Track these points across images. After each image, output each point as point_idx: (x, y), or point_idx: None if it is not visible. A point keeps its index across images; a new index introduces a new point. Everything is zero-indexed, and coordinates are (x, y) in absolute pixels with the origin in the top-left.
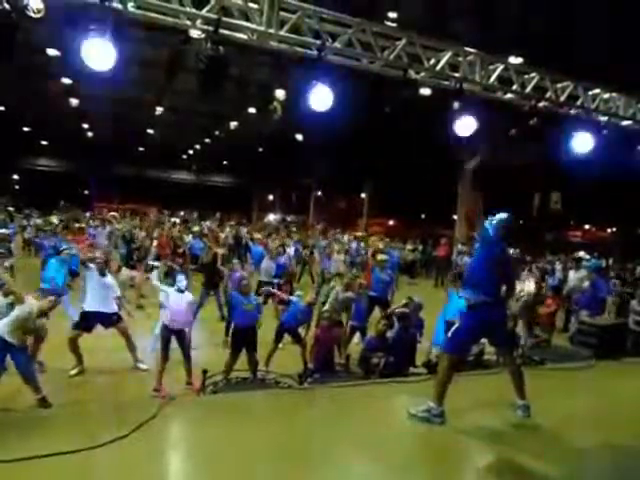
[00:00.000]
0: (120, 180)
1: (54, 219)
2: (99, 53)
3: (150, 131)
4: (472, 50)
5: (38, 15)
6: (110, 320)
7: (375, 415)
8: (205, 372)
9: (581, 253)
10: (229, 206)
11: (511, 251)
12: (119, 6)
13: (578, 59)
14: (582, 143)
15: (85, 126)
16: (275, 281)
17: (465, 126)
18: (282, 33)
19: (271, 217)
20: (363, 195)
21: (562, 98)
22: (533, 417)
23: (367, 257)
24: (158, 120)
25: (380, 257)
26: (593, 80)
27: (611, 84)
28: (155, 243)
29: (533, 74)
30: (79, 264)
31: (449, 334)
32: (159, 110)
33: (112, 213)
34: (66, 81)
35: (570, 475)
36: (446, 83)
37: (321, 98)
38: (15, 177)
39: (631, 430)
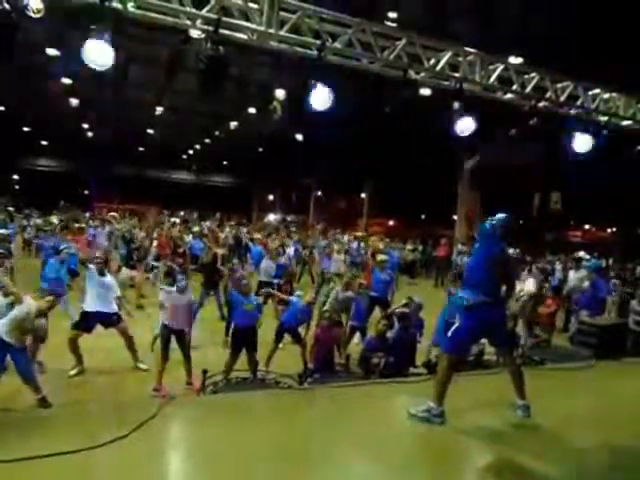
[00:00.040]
0: (120, 180)
1: (54, 219)
2: (99, 53)
3: (150, 131)
4: (472, 50)
5: (38, 15)
6: (110, 320)
7: (375, 415)
8: (205, 372)
9: (581, 253)
10: (229, 206)
11: (511, 251)
12: (119, 6)
13: (578, 59)
14: (582, 143)
15: (85, 126)
16: (275, 281)
17: (465, 126)
18: (282, 33)
19: (271, 217)
20: (363, 195)
21: (562, 98)
22: (533, 417)
23: (367, 257)
24: (158, 120)
25: (380, 257)
26: (593, 80)
27: (611, 84)
28: (155, 243)
29: (533, 74)
30: (78, 264)
31: (449, 334)
32: (159, 110)
33: (112, 213)
34: (66, 81)
35: (570, 475)
36: (446, 83)
37: (321, 98)
38: (15, 177)
39: (631, 430)
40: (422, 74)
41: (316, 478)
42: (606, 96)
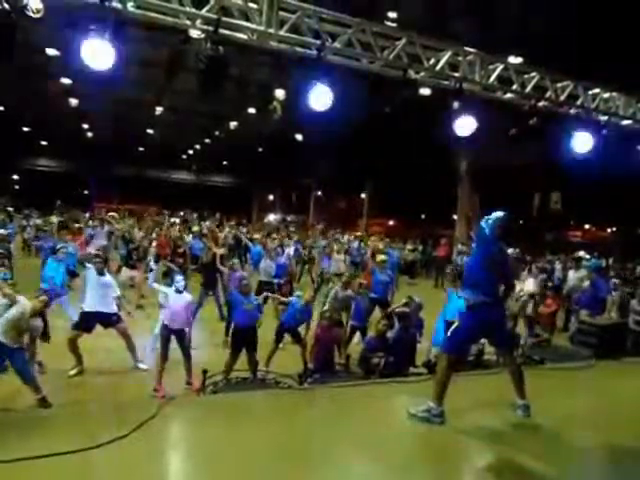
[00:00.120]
0: (120, 180)
1: (54, 219)
2: (99, 53)
3: (150, 131)
4: (472, 50)
5: (37, 15)
6: (110, 320)
7: (375, 415)
8: (205, 372)
9: (581, 253)
10: (229, 206)
11: (510, 251)
12: (119, 6)
13: (578, 59)
14: (582, 143)
15: (85, 126)
16: (275, 281)
17: (464, 126)
18: (282, 33)
19: (271, 217)
20: (363, 195)
21: (562, 98)
22: (533, 417)
23: (367, 257)
24: (158, 120)
25: (380, 258)
26: (593, 80)
27: (611, 83)
28: (154, 243)
29: (533, 74)
30: (76, 264)
31: (448, 334)
32: (159, 110)
33: (111, 213)
34: (66, 81)
35: (570, 475)
36: (446, 83)
37: (321, 98)
38: (15, 177)
39: (631, 430)
40: (422, 74)
41: (316, 478)
42: (606, 95)
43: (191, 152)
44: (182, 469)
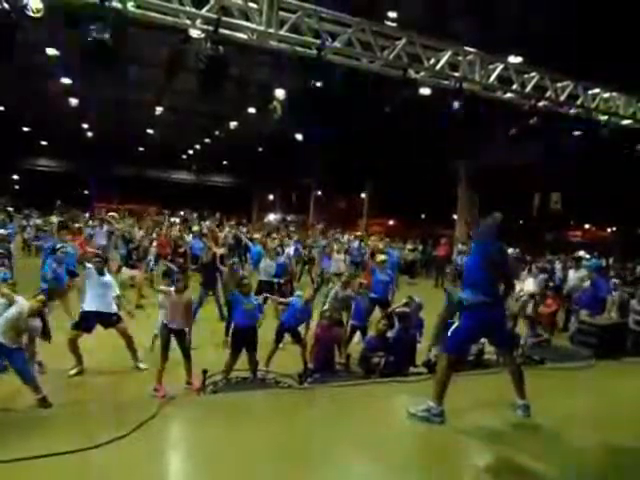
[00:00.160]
0: (120, 180)
1: (54, 219)
2: (99, 53)
3: (150, 131)
4: (472, 50)
5: (37, 15)
6: (110, 320)
7: (375, 415)
8: (205, 372)
9: (581, 253)
10: (229, 206)
11: (511, 251)
12: (119, 5)
13: (578, 58)
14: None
15: (85, 126)
16: (275, 280)
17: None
18: (282, 33)
19: (271, 217)
20: (363, 195)
21: (562, 97)
22: (533, 417)
23: (367, 257)
24: (158, 120)
25: (380, 257)
26: (593, 79)
27: (611, 83)
28: (155, 243)
29: (533, 73)
30: (76, 264)
31: (448, 334)
32: (159, 110)
33: (111, 213)
34: (66, 81)
35: (570, 475)
36: (446, 83)
37: (321, 98)
38: (15, 177)
39: (631, 430)
40: (422, 73)
41: (316, 478)
42: (606, 95)
43: (191, 152)
44: (182, 469)
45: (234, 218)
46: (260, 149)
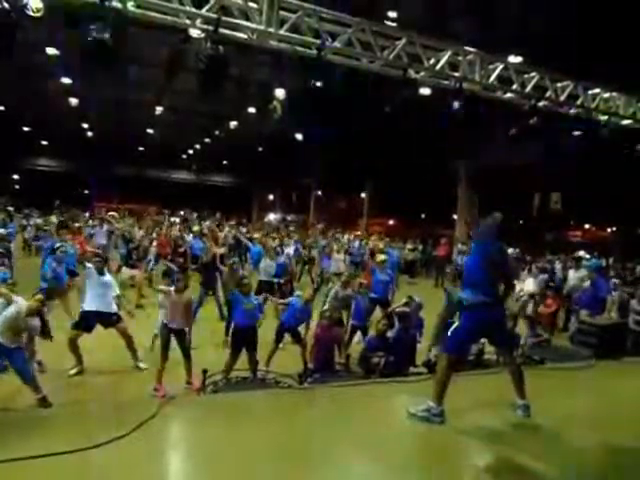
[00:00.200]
0: (120, 180)
1: (54, 219)
2: (99, 53)
3: (150, 131)
4: (472, 49)
5: (37, 14)
6: (110, 320)
7: (375, 415)
8: (205, 371)
9: (581, 253)
10: (229, 206)
11: (511, 251)
12: (119, 5)
13: (578, 58)
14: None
15: (85, 126)
16: (275, 280)
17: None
18: (282, 32)
19: (271, 217)
20: (363, 195)
21: (562, 97)
22: (533, 417)
23: (368, 257)
24: (158, 120)
25: (380, 257)
26: (593, 79)
27: (611, 83)
28: (155, 243)
29: (533, 73)
30: (75, 263)
31: (448, 333)
32: (159, 110)
33: (111, 213)
34: (66, 81)
35: (570, 475)
36: (446, 82)
37: (321, 98)
38: (15, 177)
39: (631, 430)
40: (422, 73)
41: (316, 478)
42: (606, 95)
43: (191, 152)
44: (182, 469)
45: (234, 218)
46: (260, 149)
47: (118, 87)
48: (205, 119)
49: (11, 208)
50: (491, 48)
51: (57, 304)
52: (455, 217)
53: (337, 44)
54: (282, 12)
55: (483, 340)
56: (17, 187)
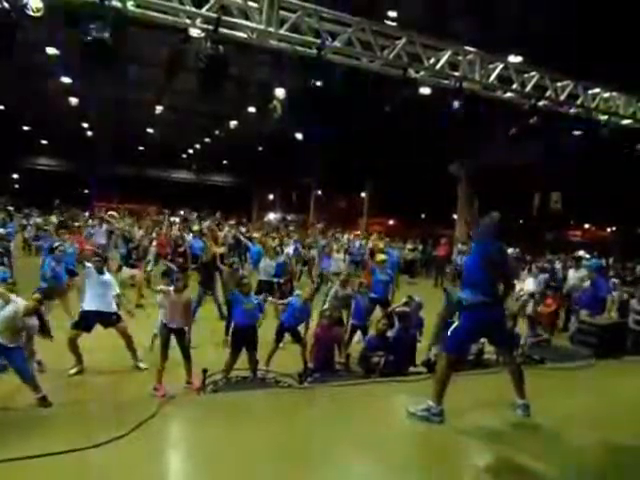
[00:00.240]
0: (120, 179)
1: (54, 218)
2: (99, 52)
3: (150, 130)
4: (472, 49)
5: (37, 14)
6: (109, 320)
7: (375, 414)
8: (205, 371)
9: (581, 252)
10: (229, 205)
11: (511, 251)
12: (119, 4)
13: (578, 58)
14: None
15: (85, 125)
16: (275, 280)
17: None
18: (282, 32)
19: (271, 216)
20: (363, 194)
21: (562, 97)
22: (533, 416)
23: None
24: (158, 119)
25: (379, 257)
26: (593, 79)
27: (611, 83)
28: (155, 243)
29: (533, 73)
30: (75, 263)
31: (448, 333)
32: (159, 109)
33: (110, 212)
34: (66, 80)
35: (570, 475)
36: (446, 82)
37: (321, 98)
38: (15, 176)
39: (631, 429)
40: (422, 73)
41: (316, 478)
42: (606, 95)
43: (191, 151)
44: (182, 469)
45: (234, 217)
46: (260, 149)
47: (118, 87)
48: (205, 119)
49: (11, 208)
50: (491, 48)
51: (57, 304)
52: (455, 217)
53: (337, 44)
54: (282, 11)
55: (483, 340)
56: (17, 186)
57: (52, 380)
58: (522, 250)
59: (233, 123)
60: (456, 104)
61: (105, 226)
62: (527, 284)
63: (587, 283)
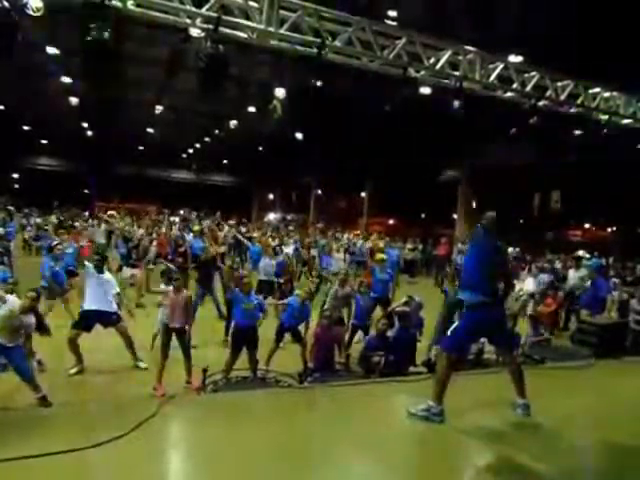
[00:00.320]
0: (120, 179)
1: (54, 218)
2: (99, 52)
3: (150, 130)
4: (472, 49)
5: (37, 14)
6: (109, 319)
7: (375, 414)
8: (205, 371)
9: (581, 252)
10: (229, 205)
11: (511, 250)
12: (119, 4)
13: (578, 58)
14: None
15: (85, 125)
16: (275, 280)
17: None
18: (282, 31)
19: (271, 216)
20: (363, 194)
21: (562, 97)
22: (533, 416)
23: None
24: (158, 119)
25: (378, 256)
26: (593, 79)
27: (611, 83)
28: (155, 242)
29: (533, 73)
30: (74, 263)
31: (448, 333)
32: (159, 109)
33: (110, 212)
34: (66, 80)
35: (570, 475)
36: (446, 82)
37: (321, 98)
38: (15, 176)
39: (631, 429)
40: (422, 72)
41: (316, 478)
42: (606, 95)
43: (191, 151)
44: (182, 469)
45: (234, 217)
46: (260, 148)
47: (118, 87)
48: (205, 119)
49: (11, 207)
50: (491, 48)
51: (57, 304)
52: (455, 217)
53: (337, 43)
54: (282, 11)
55: (483, 340)
56: (17, 186)
57: (52, 380)
58: (522, 250)
59: (233, 123)
60: (456, 104)
61: (104, 226)
62: (527, 284)
63: (588, 283)
